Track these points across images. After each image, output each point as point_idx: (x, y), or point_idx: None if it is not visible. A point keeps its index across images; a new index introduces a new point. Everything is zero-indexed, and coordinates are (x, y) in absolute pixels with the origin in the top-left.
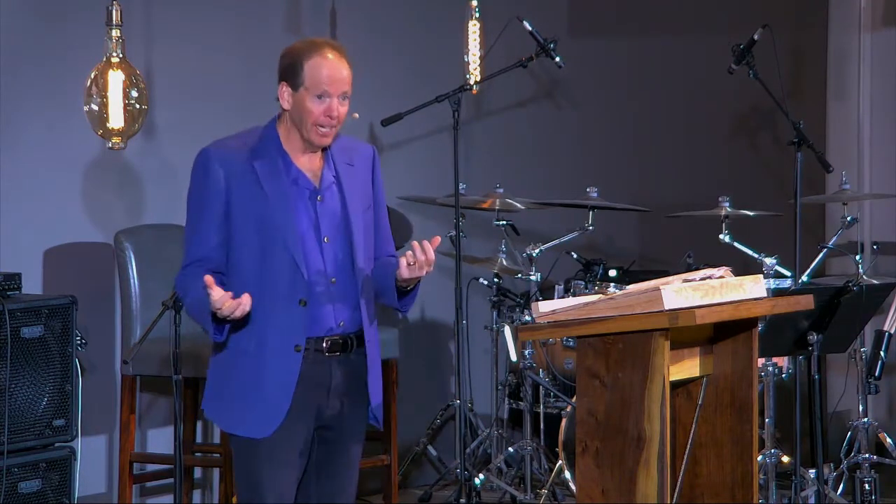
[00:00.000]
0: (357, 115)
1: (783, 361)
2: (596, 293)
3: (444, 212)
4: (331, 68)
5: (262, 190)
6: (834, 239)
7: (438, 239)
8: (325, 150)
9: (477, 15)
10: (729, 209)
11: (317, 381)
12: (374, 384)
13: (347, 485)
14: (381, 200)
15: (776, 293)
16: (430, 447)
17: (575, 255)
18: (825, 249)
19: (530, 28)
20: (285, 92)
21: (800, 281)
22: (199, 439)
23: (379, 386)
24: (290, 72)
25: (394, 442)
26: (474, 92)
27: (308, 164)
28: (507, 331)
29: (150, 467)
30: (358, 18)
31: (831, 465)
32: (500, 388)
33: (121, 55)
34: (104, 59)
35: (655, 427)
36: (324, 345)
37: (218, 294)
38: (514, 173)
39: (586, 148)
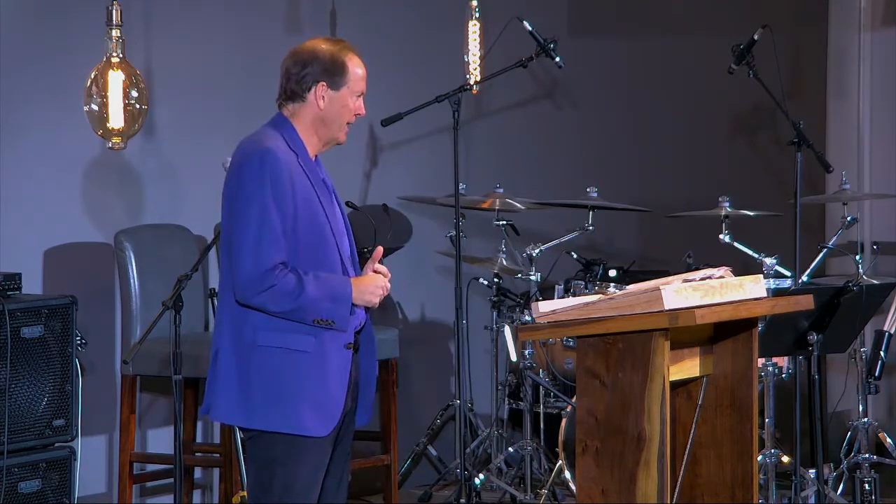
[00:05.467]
0: None
1: (783, 361)
2: (596, 293)
3: (444, 212)
4: (363, 68)
5: (313, 189)
6: (834, 239)
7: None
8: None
9: (477, 15)
10: (729, 209)
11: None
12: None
13: (345, 481)
14: None
15: (776, 293)
16: (430, 447)
17: (575, 255)
18: (825, 249)
19: (530, 28)
20: (323, 92)
21: (800, 281)
22: (199, 439)
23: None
24: (332, 71)
25: (394, 442)
26: (474, 92)
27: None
28: (507, 331)
29: (150, 467)
30: (358, 18)
31: (831, 465)
32: (500, 388)
33: (121, 55)
34: (104, 59)
35: (655, 427)
36: (352, 342)
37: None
38: (514, 173)
39: (586, 148)
